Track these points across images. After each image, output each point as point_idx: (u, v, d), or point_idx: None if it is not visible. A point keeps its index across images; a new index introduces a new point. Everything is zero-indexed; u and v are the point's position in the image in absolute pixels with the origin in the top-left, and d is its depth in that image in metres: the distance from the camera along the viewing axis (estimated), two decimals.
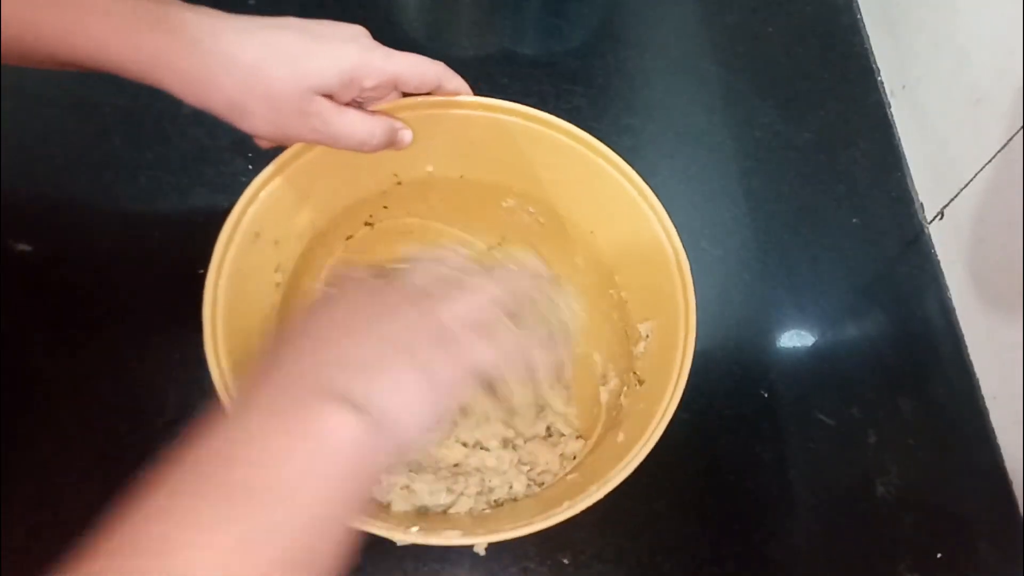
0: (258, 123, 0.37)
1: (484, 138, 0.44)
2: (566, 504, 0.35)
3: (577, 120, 0.59)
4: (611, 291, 0.47)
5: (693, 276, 0.55)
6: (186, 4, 0.35)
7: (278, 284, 0.44)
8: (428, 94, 0.41)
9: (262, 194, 0.41)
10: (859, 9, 0.68)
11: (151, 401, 0.46)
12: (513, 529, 0.35)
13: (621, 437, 0.41)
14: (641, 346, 0.43)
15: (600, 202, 0.45)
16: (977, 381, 0.52)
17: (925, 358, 0.53)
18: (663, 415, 0.37)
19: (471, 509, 0.42)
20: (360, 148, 0.39)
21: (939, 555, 0.47)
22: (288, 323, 0.34)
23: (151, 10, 0.34)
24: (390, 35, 0.51)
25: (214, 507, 0.24)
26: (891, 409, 0.51)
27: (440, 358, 0.31)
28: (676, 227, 0.56)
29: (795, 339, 0.53)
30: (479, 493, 0.43)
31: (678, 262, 0.41)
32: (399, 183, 0.47)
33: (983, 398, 0.52)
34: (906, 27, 0.61)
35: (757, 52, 0.65)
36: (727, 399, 0.50)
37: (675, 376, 0.38)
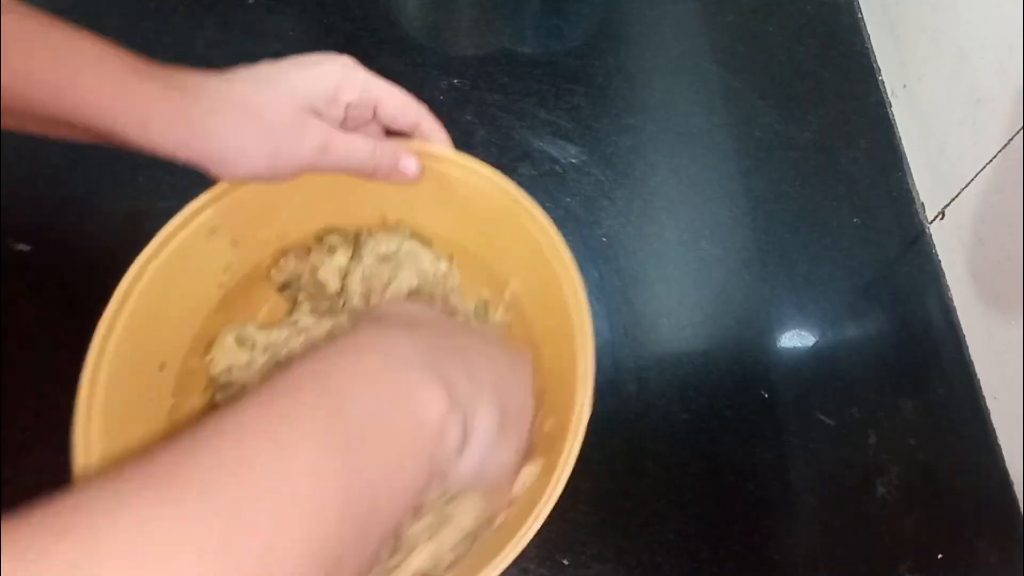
0: (255, 160, 0.35)
1: (468, 200, 0.42)
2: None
3: (577, 119, 0.60)
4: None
5: (693, 275, 0.55)
6: (166, 64, 0.35)
7: (220, 285, 0.43)
8: (406, 135, 0.40)
9: (235, 192, 0.40)
10: (860, 9, 0.67)
11: None
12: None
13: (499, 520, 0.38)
14: (548, 423, 0.40)
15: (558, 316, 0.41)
16: (978, 381, 0.52)
17: (926, 358, 0.53)
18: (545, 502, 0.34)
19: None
20: (363, 169, 0.38)
21: (939, 555, 0.47)
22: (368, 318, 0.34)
23: (141, 64, 0.33)
24: (390, 35, 0.51)
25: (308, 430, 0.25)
26: (891, 409, 0.51)
27: (515, 410, 0.34)
28: (676, 227, 0.57)
29: (795, 339, 0.53)
30: None
31: (584, 341, 0.37)
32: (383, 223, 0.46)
33: (984, 398, 0.52)
34: (907, 27, 0.61)
35: (757, 52, 0.65)
36: (727, 399, 0.50)
37: (528, 523, 0.34)
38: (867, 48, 0.65)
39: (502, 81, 0.61)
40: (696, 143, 0.60)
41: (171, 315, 0.40)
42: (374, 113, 0.39)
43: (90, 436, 0.35)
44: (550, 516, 0.46)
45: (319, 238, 0.46)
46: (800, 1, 0.68)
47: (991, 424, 0.51)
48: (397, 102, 0.39)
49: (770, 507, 0.48)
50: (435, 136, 0.41)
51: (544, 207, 0.40)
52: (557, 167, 0.57)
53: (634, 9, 0.66)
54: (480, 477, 0.32)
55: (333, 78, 0.37)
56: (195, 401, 0.42)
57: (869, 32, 0.66)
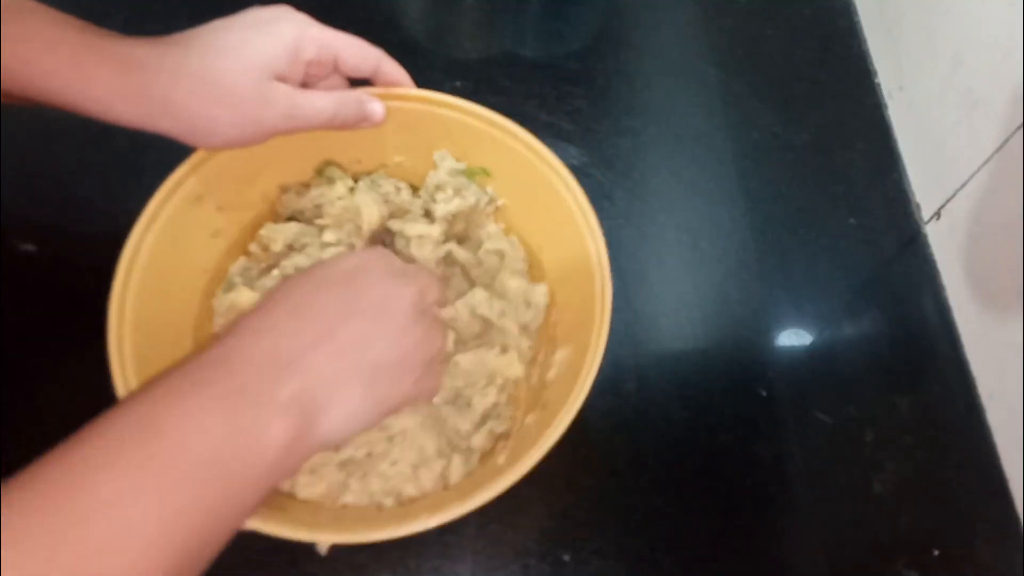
0: (224, 129, 0.36)
1: (430, 134, 0.44)
2: (424, 516, 0.35)
3: (577, 121, 0.61)
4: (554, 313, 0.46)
5: (692, 275, 0.56)
6: (124, 35, 0.35)
7: (212, 252, 0.44)
8: (367, 82, 0.41)
9: (214, 159, 0.40)
10: (857, 12, 0.68)
11: None
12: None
13: (501, 459, 0.40)
14: (552, 372, 0.43)
15: (544, 215, 0.45)
16: (974, 380, 0.53)
17: (922, 357, 0.54)
18: (547, 438, 0.36)
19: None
20: (331, 123, 0.39)
21: (936, 552, 0.47)
22: (294, 282, 0.35)
23: (97, 43, 0.33)
24: (392, 38, 0.52)
25: (133, 476, 0.26)
26: (888, 408, 0.51)
27: (389, 383, 0.34)
28: (675, 228, 0.57)
29: (793, 338, 0.54)
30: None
31: (603, 289, 0.40)
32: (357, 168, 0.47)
33: (980, 397, 0.52)
34: (903, 29, 0.62)
35: (756, 54, 0.65)
36: (726, 397, 0.51)
37: (570, 402, 0.36)
38: (864, 51, 0.66)
39: (504, 84, 0.61)
40: (695, 145, 0.60)
41: (174, 287, 0.41)
42: (335, 66, 0.39)
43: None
44: (550, 514, 0.46)
45: (319, 171, 0.47)
46: (798, 4, 0.68)
47: (987, 422, 0.51)
48: (355, 51, 0.39)
49: (768, 504, 0.48)
50: (396, 76, 0.42)
51: None
52: None
53: (634, 13, 0.67)
54: (345, 431, 0.33)
55: (290, 38, 0.36)
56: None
57: (866, 35, 0.67)
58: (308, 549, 0.38)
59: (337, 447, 0.35)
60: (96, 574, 0.23)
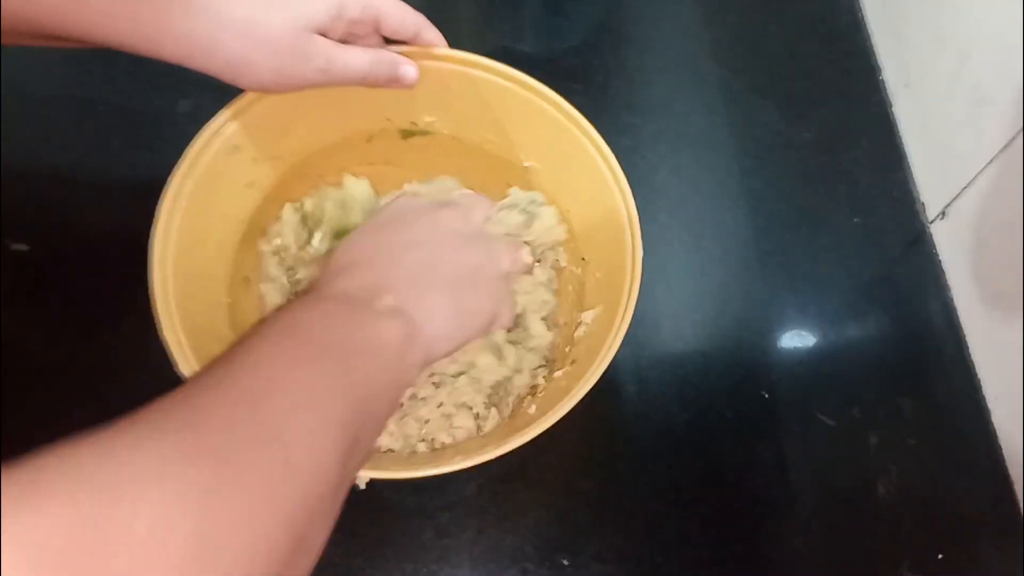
0: (262, 74, 0.37)
1: (465, 95, 0.45)
2: (458, 458, 0.36)
3: None
4: (577, 269, 0.48)
5: (693, 275, 0.55)
6: None
7: (247, 202, 0.45)
8: (404, 43, 0.42)
9: (253, 109, 0.42)
10: (861, 8, 0.67)
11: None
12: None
13: (532, 409, 0.42)
14: (581, 330, 0.45)
15: (572, 175, 0.46)
16: (979, 381, 0.52)
17: (927, 358, 0.53)
18: (577, 392, 0.37)
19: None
20: (364, 81, 0.40)
21: (940, 556, 0.47)
22: (349, 239, 0.41)
23: None
24: None
25: (302, 364, 0.29)
26: (892, 409, 0.51)
27: (470, 292, 0.39)
28: (676, 227, 0.57)
29: (796, 339, 0.53)
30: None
31: (633, 248, 0.41)
32: (386, 128, 0.48)
33: (985, 398, 0.51)
34: (908, 26, 0.61)
35: (758, 51, 0.65)
36: (727, 399, 0.50)
37: (600, 356, 0.38)
38: (869, 47, 0.65)
39: None
40: (696, 142, 0.60)
41: (212, 237, 0.43)
42: (375, 27, 0.41)
43: (187, 355, 0.36)
44: (548, 518, 0.46)
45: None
46: (801, 0, 0.68)
47: (992, 424, 0.51)
48: (397, 15, 0.41)
49: (770, 507, 0.47)
50: (435, 43, 0.43)
51: None
52: None
53: (634, 8, 0.66)
54: (448, 341, 0.37)
55: None
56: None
57: (871, 31, 0.66)
58: None
59: (451, 354, 0.38)
60: (283, 437, 0.26)
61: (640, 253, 0.41)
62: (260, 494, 0.23)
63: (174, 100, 0.57)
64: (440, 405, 0.43)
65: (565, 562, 0.45)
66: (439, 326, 0.36)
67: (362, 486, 0.39)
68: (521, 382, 0.45)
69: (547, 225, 0.47)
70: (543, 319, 0.47)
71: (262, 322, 0.32)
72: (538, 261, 0.48)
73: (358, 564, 0.44)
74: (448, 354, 0.37)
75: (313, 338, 0.31)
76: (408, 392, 0.43)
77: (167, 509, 0.21)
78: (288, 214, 0.48)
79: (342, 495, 0.29)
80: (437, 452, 0.42)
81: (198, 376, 0.28)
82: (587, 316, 0.45)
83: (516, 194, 0.48)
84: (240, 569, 0.22)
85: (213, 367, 0.29)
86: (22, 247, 0.51)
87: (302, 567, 0.26)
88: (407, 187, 0.50)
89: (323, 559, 0.44)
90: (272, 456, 0.25)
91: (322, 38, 0.37)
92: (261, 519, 0.23)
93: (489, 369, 0.44)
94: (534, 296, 0.47)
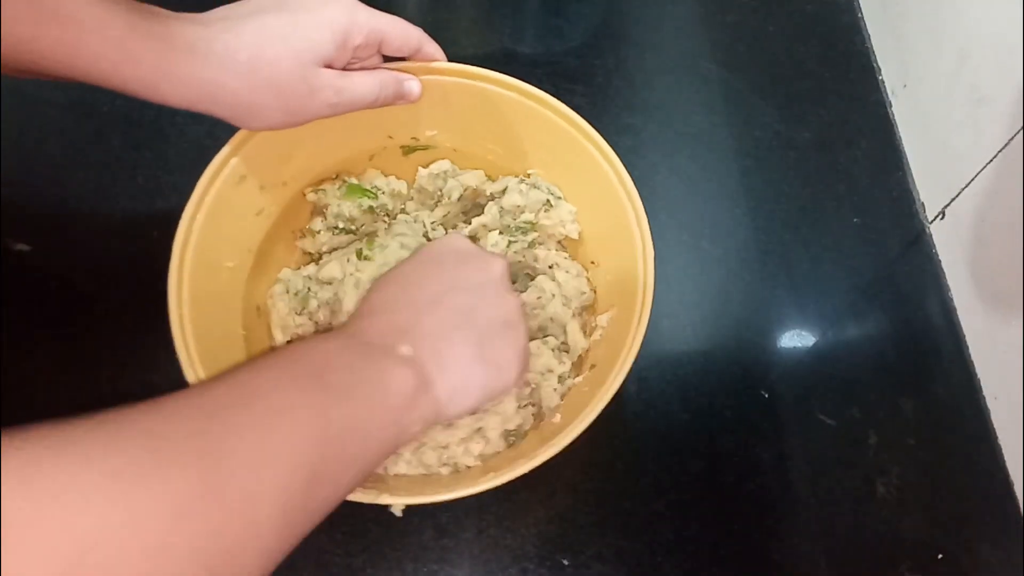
0: (271, 116, 0.36)
1: (466, 107, 0.45)
2: (490, 475, 0.36)
3: None
4: (587, 272, 0.48)
5: (693, 275, 0.55)
6: (172, 12, 0.35)
7: (256, 231, 0.45)
8: (404, 59, 0.42)
9: (253, 140, 0.41)
10: (860, 8, 0.67)
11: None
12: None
13: (557, 418, 0.42)
14: (597, 334, 0.45)
15: (578, 180, 0.46)
16: (978, 381, 0.52)
17: (926, 358, 0.53)
18: (602, 397, 0.37)
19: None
20: (372, 105, 0.40)
21: (940, 556, 0.47)
22: (384, 280, 0.39)
23: (144, 24, 0.33)
24: None
25: (295, 392, 0.29)
26: (892, 409, 0.51)
27: (499, 343, 0.36)
28: (676, 227, 0.57)
29: (795, 339, 0.53)
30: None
31: (644, 250, 0.41)
32: (387, 146, 0.48)
33: (984, 398, 0.51)
34: (907, 26, 0.61)
35: (757, 51, 0.65)
36: (727, 399, 0.50)
37: (620, 361, 0.38)
38: (867, 47, 0.65)
39: None
40: (696, 143, 0.60)
41: (223, 268, 0.43)
42: (378, 48, 0.40)
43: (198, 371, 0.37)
44: (549, 518, 0.46)
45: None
46: (800, 0, 0.68)
47: (991, 424, 0.51)
48: (399, 33, 0.40)
49: (770, 507, 0.47)
50: (436, 57, 0.43)
51: None
52: None
53: (634, 9, 0.66)
54: (467, 397, 0.35)
55: (340, 26, 0.37)
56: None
57: (869, 31, 0.66)
58: (304, 547, 0.37)
59: (461, 415, 0.36)
60: (221, 455, 0.25)
61: (651, 254, 0.41)
62: (166, 511, 0.22)
63: None
64: (451, 428, 0.42)
65: (565, 562, 0.45)
66: (455, 379, 0.34)
67: (398, 513, 0.40)
68: (550, 388, 0.44)
69: (563, 217, 0.47)
70: (578, 315, 0.46)
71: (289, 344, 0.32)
72: (551, 267, 0.48)
73: (358, 564, 0.44)
74: (472, 410, 0.36)
75: (313, 369, 0.30)
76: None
77: (66, 512, 0.21)
78: (279, 290, 0.47)
79: (293, 530, 0.27)
80: (463, 473, 0.41)
81: (202, 382, 0.28)
82: (603, 319, 0.45)
83: (538, 178, 0.47)
84: None
85: (218, 376, 0.29)
86: (22, 247, 0.51)
87: None
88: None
89: (323, 559, 0.44)
90: (195, 474, 0.23)
91: (327, 70, 0.37)
92: (156, 535, 0.22)
93: (508, 418, 0.43)
94: (568, 287, 0.46)
